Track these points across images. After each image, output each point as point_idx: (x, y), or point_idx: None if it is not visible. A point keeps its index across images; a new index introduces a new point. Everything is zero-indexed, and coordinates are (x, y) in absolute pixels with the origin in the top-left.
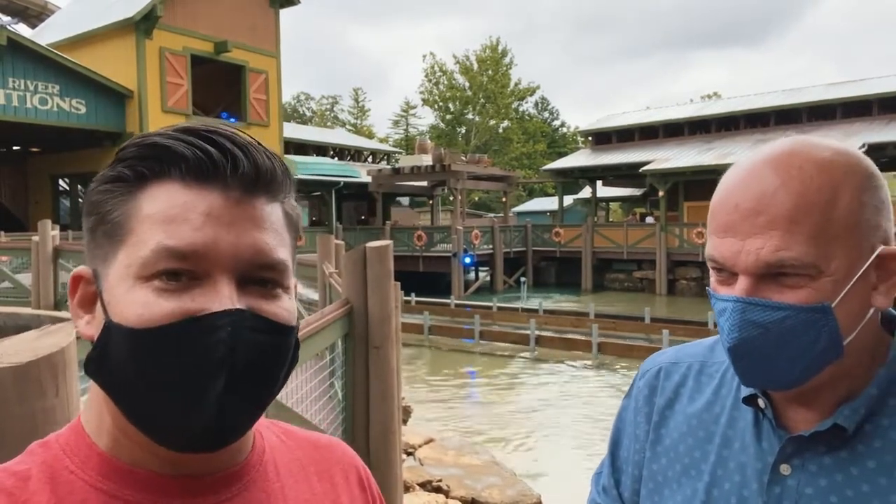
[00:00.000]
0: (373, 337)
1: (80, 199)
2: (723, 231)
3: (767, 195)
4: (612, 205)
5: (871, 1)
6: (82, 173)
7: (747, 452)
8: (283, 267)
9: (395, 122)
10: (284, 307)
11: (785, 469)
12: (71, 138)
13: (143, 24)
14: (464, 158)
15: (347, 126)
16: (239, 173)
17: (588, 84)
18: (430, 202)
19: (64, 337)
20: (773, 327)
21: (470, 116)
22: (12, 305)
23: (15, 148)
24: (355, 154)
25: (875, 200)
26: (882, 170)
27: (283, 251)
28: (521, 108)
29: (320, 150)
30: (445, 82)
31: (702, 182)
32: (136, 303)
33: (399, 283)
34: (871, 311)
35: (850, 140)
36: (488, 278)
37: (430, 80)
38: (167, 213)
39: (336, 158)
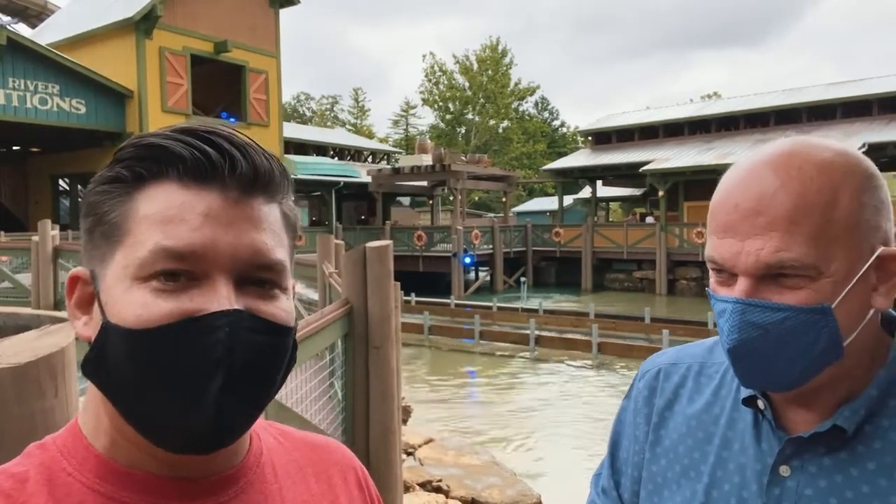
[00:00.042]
0: (373, 337)
1: (80, 199)
2: (722, 232)
3: (767, 196)
4: (612, 205)
5: (871, 1)
6: (82, 173)
7: (747, 454)
8: (281, 267)
9: (395, 122)
10: (282, 308)
11: (784, 470)
12: (71, 138)
13: (143, 24)
14: (464, 158)
15: (347, 126)
16: (237, 174)
17: (588, 84)
18: (430, 202)
19: (63, 337)
20: (772, 328)
21: (470, 116)
22: (12, 305)
23: (15, 148)
24: (355, 154)
25: (875, 201)
26: (882, 170)
27: (281, 252)
28: (521, 108)
29: (320, 150)
30: (445, 82)
31: (702, 182)
32: (134, 303)
33: (399, 283)
34: (871, 312)
35: (850, 140)
36: (488, 278)
37: (430, 80)
38: (165, 214)
39: (336, 158)
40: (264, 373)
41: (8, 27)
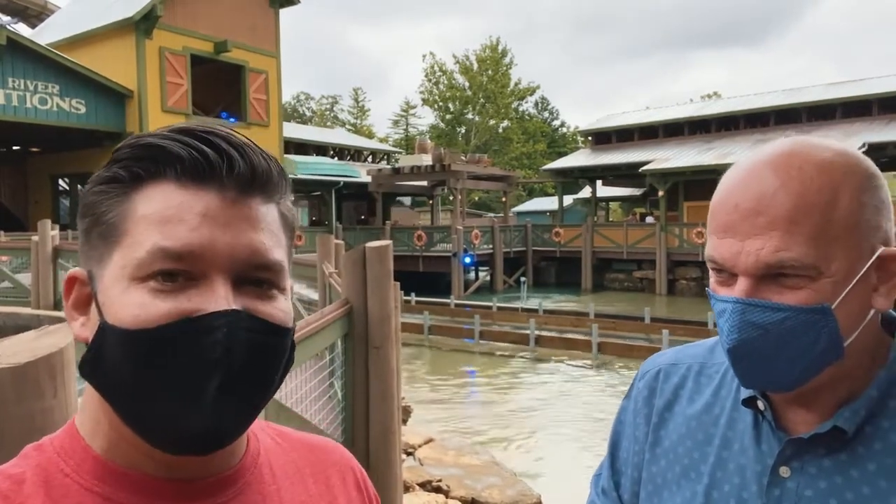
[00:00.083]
0: (372, 337)
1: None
2: (722, 231)
3: (767, 196)
4: (612, 205)
5: (871, 1)
6: (82, 173)
7: (747, 454)
8: (279, 268)
9: (395, 122)
10: (280, 308)
11: (784, 471)
12: (71, 138)
13: (143, 24)
14: (464, 158)
15: (347, 126)
16: (235, 174)
17: (588, 84)
18: (430, 202)
19: (62, 337)
20: (772, 328)
21: (470, 116)
22: (12, 305)
23: (15, 148)
24: (355, 154)
25: (875, 201)
26: (882, 170)
27: (278, 252)
28: (520, 108)
29: (320, 149)
30: (445, 82)
31: (702, 182)
32: (131, 304)
33: (399, 283)
34: (872, 312)
35: (850, 140)
36: (488, 278)
37: (429, 80)
38: (163, 214)
39: (336, 158)
40: (262, 373)
41: (8, 27)
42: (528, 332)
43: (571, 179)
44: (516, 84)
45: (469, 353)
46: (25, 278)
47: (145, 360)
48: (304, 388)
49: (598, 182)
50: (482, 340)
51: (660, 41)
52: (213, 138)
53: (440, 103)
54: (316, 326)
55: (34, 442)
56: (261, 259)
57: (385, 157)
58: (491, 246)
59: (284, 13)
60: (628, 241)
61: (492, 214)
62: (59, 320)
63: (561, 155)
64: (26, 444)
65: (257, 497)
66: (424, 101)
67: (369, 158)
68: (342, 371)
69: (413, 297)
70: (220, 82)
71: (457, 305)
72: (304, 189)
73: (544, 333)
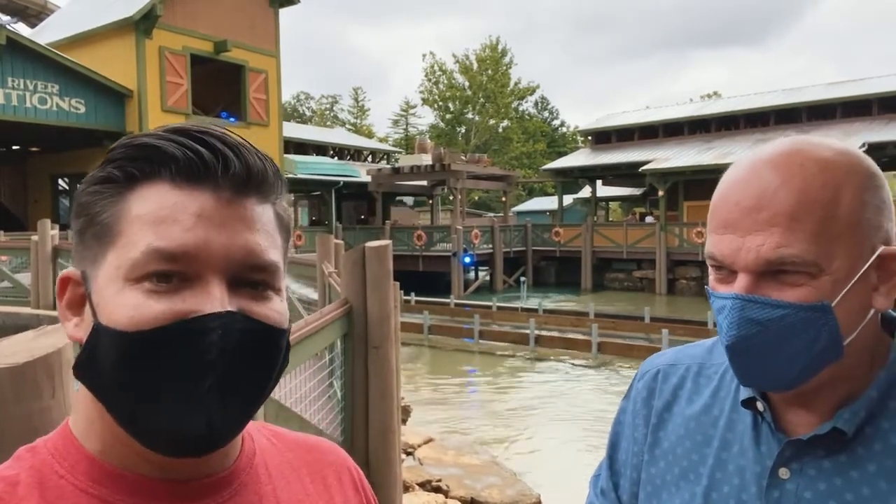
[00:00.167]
0: (372, 337)
1: None
2: (723, 228)
3: (769, 192)
4: (612, 204)
5: (871, 1)
6: (82, 173)
7: (746, 456)
8: (275, 268)
9: (395, 122)
10: (276, 309)
11: (784, 473)
12: (70, 138)
13: (143, 24)
14: (463, 158)
15: (347, 126)
16: (230, 174)
17: (588, 84)
18: (430, 202)
19: (61, 337)
20: (772, 325)
21: (470, 116)
22: (11, 305)
23: (14, 147)
24: (355, 153)
25: (877, 200)
26: (882, 169)
27: (274, 252)
28: (520, 108)
29: (320, 149)
30: (445, 82)
31: (702, 182)
32: (126, 305)
33: (398, 283)
34: (872, 312)
35: (850, 140)
36: (488, 278)
37: (429, 80)
38: (157, 214)
39: (336, 158)
40: (257, 375)
41: (7, 27)
42: (527, 331)
43: (571, 179)
44: (516, 84)
45: (469, 352)
46: (25, 278)
47: (139, 362)
48: (303, 388)
49: (598, 182)
50: (482, 340)
51: (660, 41)
52: (208, 138)
53: (440, 103)
54: (315, 326)
55: (31, 443)
56: (256, 260)
57: (385, 156)
58: (491, 246)
59: (284, 13)
60: (628, 240)
61: (492, 214)
62: (59, 320)
63: (561, 155)
64: (25, 444)
65: (253, 497)
66: (424, 101)
67: (369, 158)
68: (342, 371)
69: (413, 297)
70: (219, 82)
71: (456, 305)
72: (304, 189)
73: (544, 333)
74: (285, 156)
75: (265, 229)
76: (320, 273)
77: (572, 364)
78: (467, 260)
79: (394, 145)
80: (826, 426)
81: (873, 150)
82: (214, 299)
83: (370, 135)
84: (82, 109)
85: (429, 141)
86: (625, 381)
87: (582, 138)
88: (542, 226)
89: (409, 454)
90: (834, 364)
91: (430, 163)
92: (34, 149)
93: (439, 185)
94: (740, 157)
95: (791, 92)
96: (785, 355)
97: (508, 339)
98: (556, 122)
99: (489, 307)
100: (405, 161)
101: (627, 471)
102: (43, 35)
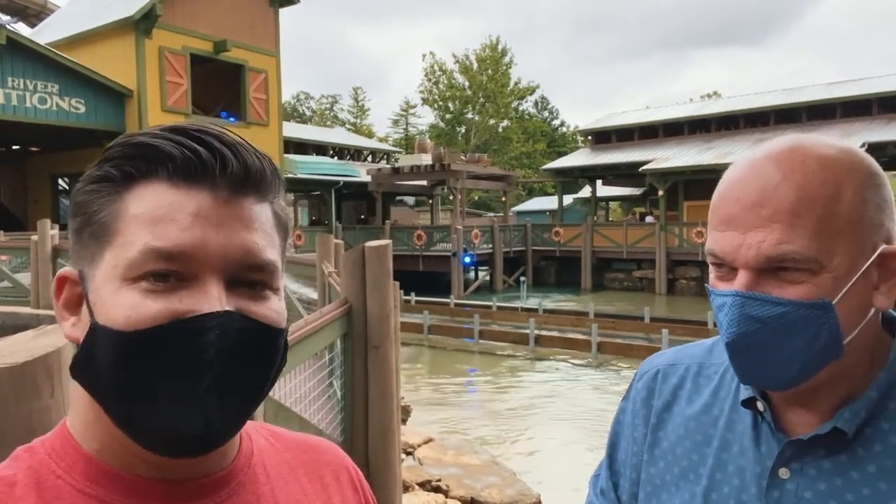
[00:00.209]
0: (372, 336)
1: None
2: (724, 225)
3: (770, 189)
4: (612, 204)
5: (871, 1)
6: (82, 173)
7: (746, 456)
8: (273, 268)
9: (395, 122)
10: (273, 309)
11: (784, 473)
12: (70, 137)
13: (143, 24)
14: (463, 158)
15: (347, 125)
16: (228, 173)
17: (588, 84)
18: (430, 201)
19: (60, 337)
20: (772, 322)
21: (470, 116)
22: (11, 305)
23: (14, 147)
24: (355, 153)
25: (878, 198)
26: (882, 169)
27: (272, 252)
28: (520, 108)
29: (320, 149)
30: (445, 82)
31: (702, 181)
32: (123, 304)
33: (398, 283)
34: (872, 311)
35: (850, 140)
36: (488, 278)
37: (429, 80)
38: (154, 214)
39: (336, 158)
40: (255, 375)
41: (7, 26)
42: (527, 331)
43: (571, 179)
44: (516, 84)
45: (469, 352)
46: (25, 278)
47: (137, 362)
48: (303, 388)
49: (598, 182)
50: (482, 340)
51: (660, 41)
52: (205, 137)
53: (440, 103)
54: (315, 326)
55: (29, 442)
56: (254, 259)
57: (385, 156)
58: (491, 245)
59: (284, 13)
60: (628, 240)
61: (491, 214)
62: None
63: (561, 154)
64: (24, 443)
65: (251, 497)
66: (424, 101)
67: (369, 158)
68: (341, 371)
69: (413, 297)
70: (219, 82)
71: (456, 305)
72: (304, 189)
73: (544, 333)
74: (285, 155)
75: (263, 229)
76: (320, 273)
77: (572, 364)
78: (467, 260)
79: (394, 145)
80: (827, 426)
81: (873, 149)
82: (212, 299)
83: (370, 135)
84: (82, 109)
85: (429, 141)
86: (624, 381)
87: (582, 138)
88: (541, 226)
89: (408, 454)
90: (834, 363)
91: (429, 163)
92: (34, 148)
93: (439, 184)
94: (741, 155)
95: (791, 92)
96: (785, 353)
97: (508, 338)
98: (556, 122)
99: (489, 307)
100: (405, 161)
101: (627, 471)
102: (43, 35)
